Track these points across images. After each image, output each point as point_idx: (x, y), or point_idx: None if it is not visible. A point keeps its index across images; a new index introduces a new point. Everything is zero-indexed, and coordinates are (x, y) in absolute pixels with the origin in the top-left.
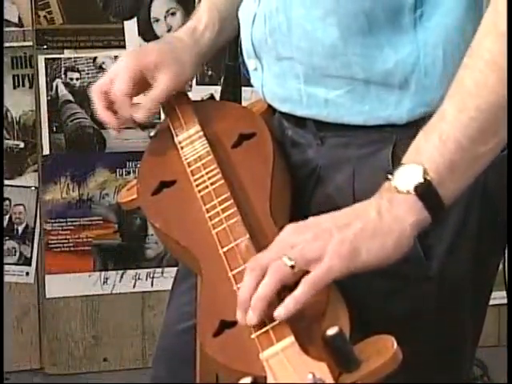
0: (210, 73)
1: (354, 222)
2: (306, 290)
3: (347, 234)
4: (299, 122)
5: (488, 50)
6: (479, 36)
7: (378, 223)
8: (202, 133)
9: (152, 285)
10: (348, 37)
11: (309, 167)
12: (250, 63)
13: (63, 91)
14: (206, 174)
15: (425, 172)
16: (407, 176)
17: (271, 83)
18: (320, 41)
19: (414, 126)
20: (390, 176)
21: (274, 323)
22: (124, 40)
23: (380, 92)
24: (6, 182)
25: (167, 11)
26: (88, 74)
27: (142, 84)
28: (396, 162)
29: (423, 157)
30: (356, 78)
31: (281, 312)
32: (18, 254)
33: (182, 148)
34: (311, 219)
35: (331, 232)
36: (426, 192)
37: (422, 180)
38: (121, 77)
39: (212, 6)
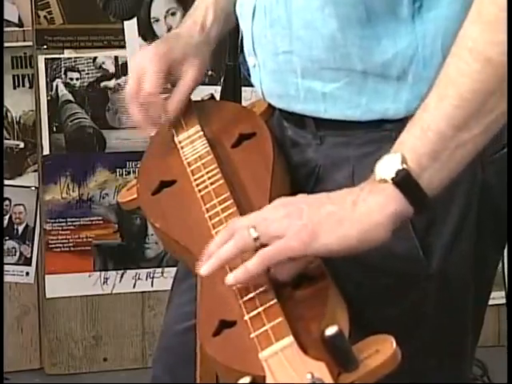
0: (210, 73)
1: (327, 205)
2: (257, 263)
3: (313, 218)
4: (298, 121)
5: (471, 38)
6: (465, 24)
7: (348, 212)
8: (201, 133)
9: (152, 285)
10: (347, 28)
11: (308, 167)
12: (250, 60)
13: (63, 91)
14: (206, 173)
15: (403, 161)
16: (387, 165)
17: (268, 79)
18: (319, 32)
19: None
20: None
21: (273, 323)
22: (124, 40)
23: (378, 84)
24: (6, 182)
25: (167, 11)
26: (88, 74)
27: (167, 79)
28: None
29: (404, 146)
30: (354, 69)
31: (229, 279)
32: (18, 254)
33: (182, 148)
34: (299, 196)
35: (301, 213)
36: (403, 181)
37: (399, 168)
38: (149, 75)
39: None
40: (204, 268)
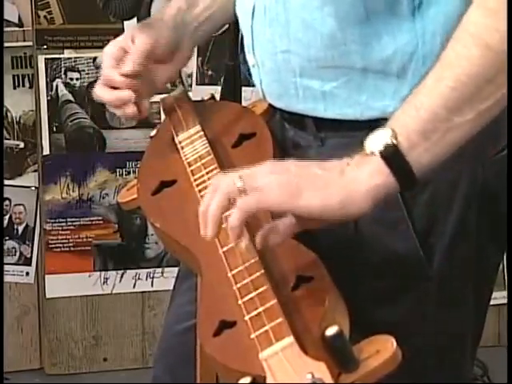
0: (210, 73)
1: (315, 168)
2: (236, 213)
3: (300, 175)
4: (299, 122)
5: (474, 23)
6: (469, 10)
7: (334, 178)
8: (202, 133)
9: (152, 285)
10: (346, 26)
11: None
12: (250, 59)
13: (63, 91)
14: (207, 173)
15: (393, 135)
16: (376, 139)
17: (267, 79)
18: (318, 31)
19: None
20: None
21: (274, 323)
22: None
23: (377, 81)
24: (6, 182)
25: None
26: (88, 74)
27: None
28: None
29: (396, 122)
30: (354, 67)
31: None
32: (18, 254)
33: (182, 148)
34: (289, 160)
35: (288, 170)
36: (391, 155)
37: (388, 142)
38: (104, 60)
39: None
40: (207, 234)
